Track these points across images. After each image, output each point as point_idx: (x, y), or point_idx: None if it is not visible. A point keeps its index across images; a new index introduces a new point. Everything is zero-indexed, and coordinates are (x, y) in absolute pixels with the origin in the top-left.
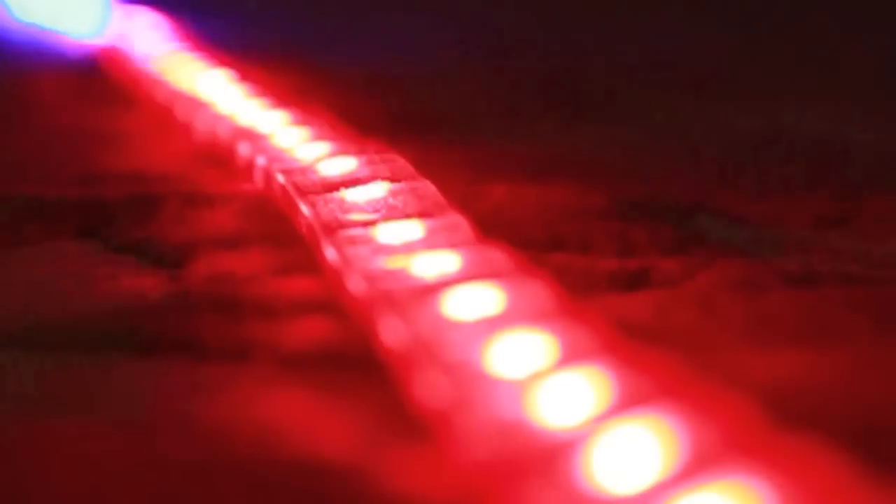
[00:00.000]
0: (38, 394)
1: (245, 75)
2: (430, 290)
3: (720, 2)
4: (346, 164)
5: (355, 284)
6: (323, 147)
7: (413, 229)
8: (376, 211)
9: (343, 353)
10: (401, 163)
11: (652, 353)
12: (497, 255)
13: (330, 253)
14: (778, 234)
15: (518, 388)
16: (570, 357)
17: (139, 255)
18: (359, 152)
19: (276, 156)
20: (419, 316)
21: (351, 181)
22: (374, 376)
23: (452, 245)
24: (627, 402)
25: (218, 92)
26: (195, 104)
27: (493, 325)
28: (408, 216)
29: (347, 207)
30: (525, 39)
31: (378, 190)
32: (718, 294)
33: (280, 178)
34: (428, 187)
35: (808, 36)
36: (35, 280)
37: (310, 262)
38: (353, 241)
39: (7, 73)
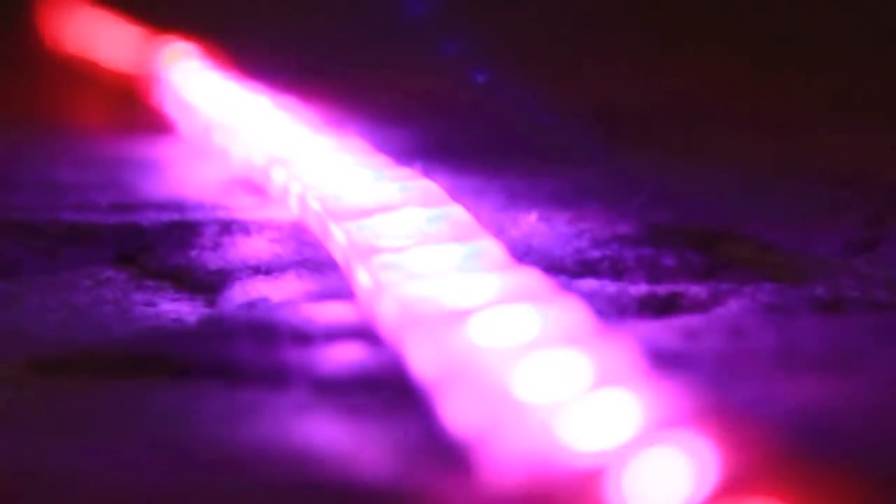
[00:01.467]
0: (75, 418)
1: (281, 102)
2: (463, 315)
3: (754, 36)
4: (380, 191)
5: (389, 309)
6: (357, 173)
7: (446, 255)
8: (410, 237)
9: (377, 378)
10: (434, 189)
11: (680, 378)
12: (529, 281)
13: (364, 278)
14: (806, 260)
15: (550, 413)
16: (601, 381)
17: (176, 281)
18: (393, 179)
19: (310, 182)
20: (452, 341)
21: (385, 207)
22: (408, 401)
23: (485, 270)
24: (658, 427)
25: (253, 119)
26: (231, 131)
27: (525, 349)
28: (441, 242)
29: (381, 233)
30: (562, 69)
31: (412, 216)
32: (747, 319)
33: (315, 204)
34: (461, 213)
35: (838, 65)
36: (73, 305)
37: (344, 287)
38: (386, 266)
39: (47, 99)
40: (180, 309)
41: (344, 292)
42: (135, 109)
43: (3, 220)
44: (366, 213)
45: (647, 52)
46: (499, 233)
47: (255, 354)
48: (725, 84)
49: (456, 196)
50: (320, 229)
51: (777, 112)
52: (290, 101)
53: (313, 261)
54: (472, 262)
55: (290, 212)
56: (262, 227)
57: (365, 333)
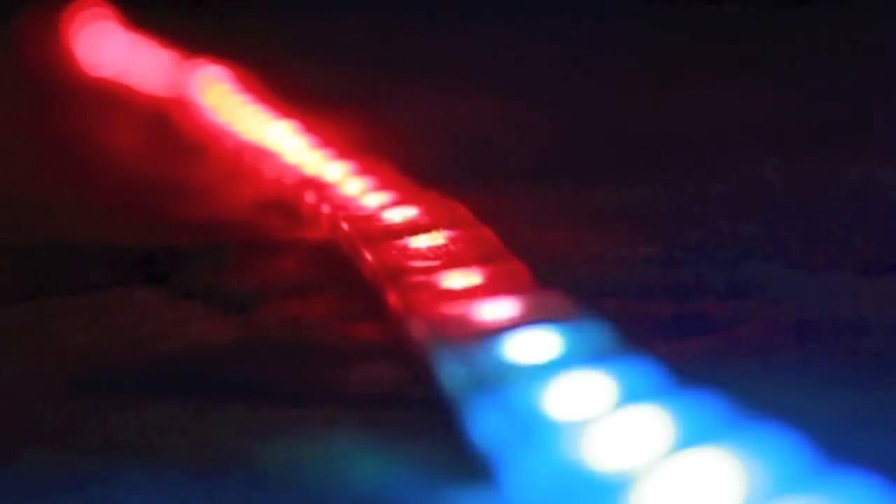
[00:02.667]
0: (106, 437)
1: (310, 126)
2: (491, 335)
3: (773, 59)
4: (408, 212)
5: (418, 329)
6: (386, 195)
7: (473, 275)
8: (438, 257)
9: (407, 397)
10: (461, 211)
11: (705, 391)
12: (555, 301)
13: (393, 298)
14: (829, 279)
15: (577, 430)
16: (627, 398)
17: (207, 301)
18: (420, 201)
19: (340, 204)
20: (480, 360)
21: (413, 228)
22: (437, 419)
23: (512, 291)
24: (684, 443)
25: (284, 142)
26: (262, 154)
27: (552, 368)
28: (468, 262)
29: (410, 254)
30: (586, 92)
31: (439, 237)
32: (771, 339)
33: (344, 225)
34: (488, 235)
35: (858, 88)
36: (105, 325)
37: (374, 307)
38: (415, 286)
39: (80, 122)
40: (212, 329)
41: (373, 312)
42: (167, 131)
43: (35, 240)
44: (395, 234)
45: (668, 75)
46: (525, 253)
47: (285, 373)
48: (746, 106)
49: (483, 217)
50: (350, 250)
51: (799, 136)
52: (320, 122)
53: (343, 281)
54: (500, 284)
55: (320, 233)
56: (293, 247)
57: (394, 353)
